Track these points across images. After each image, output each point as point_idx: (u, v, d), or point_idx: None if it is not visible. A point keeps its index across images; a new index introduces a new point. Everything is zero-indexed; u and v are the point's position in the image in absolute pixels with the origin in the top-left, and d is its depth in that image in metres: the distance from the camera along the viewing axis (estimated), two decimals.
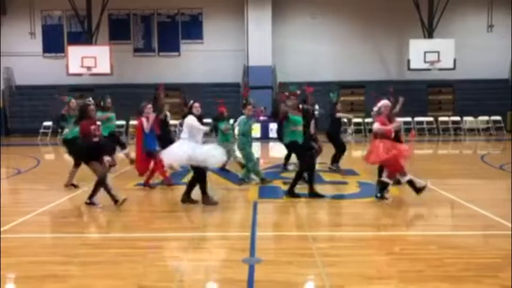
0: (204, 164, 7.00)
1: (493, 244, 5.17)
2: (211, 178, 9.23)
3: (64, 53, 21.02)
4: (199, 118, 7.16)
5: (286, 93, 7.89)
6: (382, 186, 7.23)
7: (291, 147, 7.80)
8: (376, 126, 7.16)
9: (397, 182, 7.69)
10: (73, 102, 8.83)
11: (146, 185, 8.39)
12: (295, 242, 5.30)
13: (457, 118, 21.23)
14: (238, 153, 9.35)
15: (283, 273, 4.31)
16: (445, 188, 8.08)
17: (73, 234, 5.81)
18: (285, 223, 6.42)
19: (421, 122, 20.99)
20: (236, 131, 9.30)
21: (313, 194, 7.42)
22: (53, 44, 22.55)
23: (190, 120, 7.06)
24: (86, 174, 7.63)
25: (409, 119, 20.96)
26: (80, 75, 20.15)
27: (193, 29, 22.68)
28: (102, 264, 4.60)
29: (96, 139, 6.89)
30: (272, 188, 8.30)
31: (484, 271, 4.31)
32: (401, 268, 4.41)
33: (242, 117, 8.96)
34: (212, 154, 7.01)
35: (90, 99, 7.28)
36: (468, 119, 21.12)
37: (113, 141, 10.13)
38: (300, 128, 7.53)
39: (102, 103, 10.28)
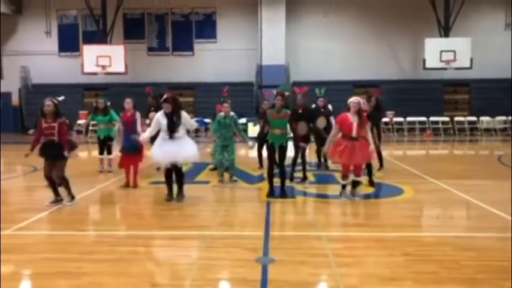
0: (175, 161, 7.10)
1: (509, 246, 5.07)
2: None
3: (79, 52, 21.23)
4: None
5: (274, 92, 7.73)
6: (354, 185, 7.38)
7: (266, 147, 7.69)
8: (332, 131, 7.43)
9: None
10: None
11: (134, 183, 8.48)
12: (309, 242, 5.26)
13: (473, 118, 20.97)
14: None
15: (296, 273, 4.28)
16: (460, 189, 7.98)
17: (87, 232, 5.86)
18: (298, 222, 6.39)
19: (437, 122, 20.77)
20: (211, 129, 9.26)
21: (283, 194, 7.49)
22: (69, 43, 22.79)
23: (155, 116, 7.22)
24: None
25: (424, 118, 20.77)
26: (94, 74, 20.34)
27: (207, 28, 22.73)
28: (115, 262, 4.62)
29: (51, 138, 6.82)
30: (285, 188, 8.25)
31: (500, 274, 4.24)
32: (416, 269, 4.36)
33: (220, 114, 8.93)
34: (185, 151, 7.09)
35: (59, 98, 7.14)
36: (485, 119, 20.84)
37: (102, 145, 10.15)
38: (278, 131, 7.34)
39: (94, 103, 10.42)
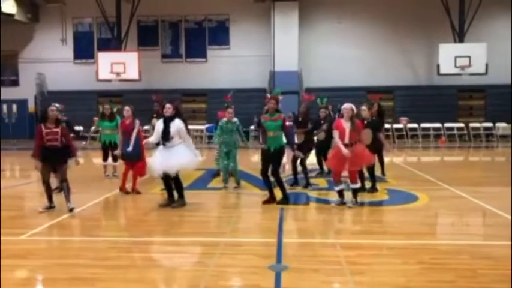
0: (167, 170, 7.07)
1: None
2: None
3: (94, 59, 21.48)
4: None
5: (268, 96, 7.69)
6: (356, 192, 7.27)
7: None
8: (335, 138, 7.20)
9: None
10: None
11: (133, 190, 8.50)
12: (322, 249, 5.22)
13: (489, 124, 20.70)
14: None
15: (310, 281, 4.24)
16: (476, 196, 7.86)
17: (101, 238, 5.88)
18: (311, 230, 6.34)
19: (452, 128, 20.56)
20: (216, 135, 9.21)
21: (284, 201, 7.42)
22: (84, 50, 23.09)
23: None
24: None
25: (438, 125, 20.58)
26: (109, 81, 20.53)
27: (220, 34, 22.85)
28: (128, 268, 4.62)
29: (53, 143, 6.79)
30: (298, 194, 8.23)
31: None
32: (431, 278, 4.28)
33: (222, 119, 8.92)
34: (178, 160, 7.02)
35: (56, 105, 7.21)
36: (501, 125, 20.56)
37: (106, 151, 10.23)
38: (271, 133, 7.27)
39: (101, 109, 10.49)
